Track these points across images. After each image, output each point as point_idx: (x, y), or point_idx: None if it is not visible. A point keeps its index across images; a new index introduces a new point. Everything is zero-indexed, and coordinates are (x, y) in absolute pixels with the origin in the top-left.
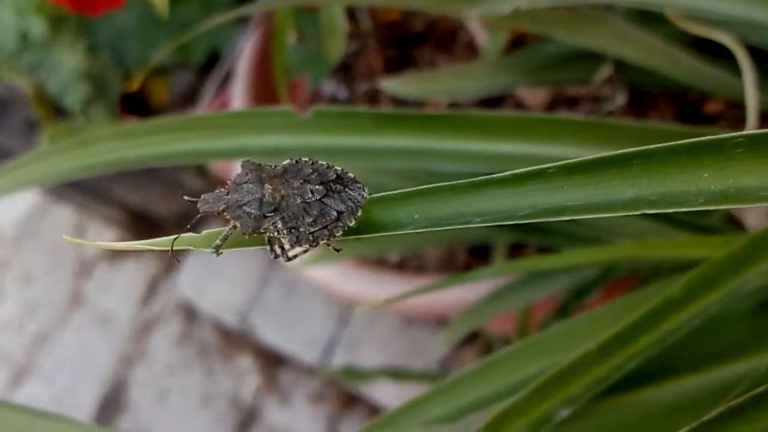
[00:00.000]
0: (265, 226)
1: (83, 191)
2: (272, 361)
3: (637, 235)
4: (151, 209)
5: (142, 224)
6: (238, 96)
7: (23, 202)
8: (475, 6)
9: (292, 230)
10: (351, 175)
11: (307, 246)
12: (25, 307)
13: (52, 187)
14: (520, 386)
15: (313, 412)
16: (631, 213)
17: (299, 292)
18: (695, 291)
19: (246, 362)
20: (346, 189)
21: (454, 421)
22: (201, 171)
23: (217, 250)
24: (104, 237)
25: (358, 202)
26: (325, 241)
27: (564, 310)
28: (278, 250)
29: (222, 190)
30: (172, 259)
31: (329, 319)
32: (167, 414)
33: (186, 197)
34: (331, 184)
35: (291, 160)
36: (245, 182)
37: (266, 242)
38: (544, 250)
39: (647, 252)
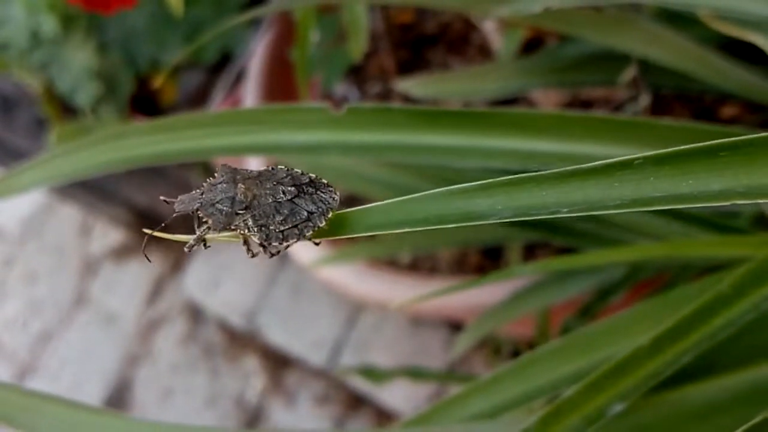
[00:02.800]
0: (236, 223)
1: (89, 190)
2: (278, 362)
3: (661, 235)
4: (158, 209)
5: (148, 224)
6: (250, 96)
7: (28, 200)
8: (504, 5)
9: (262, 228)
10: (324, 180)
11: (282, 243)
12: (30, 305)
13: (58, 186)
14: (559, 384)
15: (319, 413)
16: (721, 204)
17: (306, 293)
18: (744, 287)
19: (252, 363)
20: (318, 192)
21: (493, 418)
22: (208, 171)
23: (190, 249)
24: (110, 237)
25: (329, 204)
26: (295, 240)
27: (587, 311)
28: (255, 249)
29: (197, 191)
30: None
31: (337, 320)
32: (172, 414)
33: (162, 197)
34: (304, 186)
35: (268, 166)
36: (219, 183)
37: (242, 242)
38: (562, 251)
39: (676, 252)
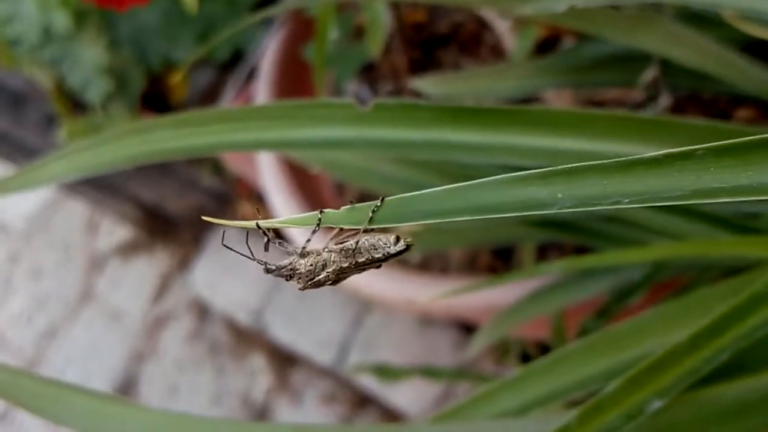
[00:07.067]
0: (320, 278)
1: (97, 187)
2: (284, 361)
3: (680, 236)
4: (165, 206)
5: (155, 221)
6: (262, 94)
7: (35, 196)
8: (528, 4)
9: (340, 275)
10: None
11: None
12: (35, 301)
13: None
14: (587, 382)
15: (325, 412)
16: None
17: (314, 291)
18: None
19: (258, 361)
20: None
21: (523, 414)
22: (217, 169)
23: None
24: (117, 233)
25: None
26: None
27: (606, 312)
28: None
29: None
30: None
31: (344, 319)
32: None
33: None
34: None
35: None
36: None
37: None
38: (576, 252)
39: (697, 252)
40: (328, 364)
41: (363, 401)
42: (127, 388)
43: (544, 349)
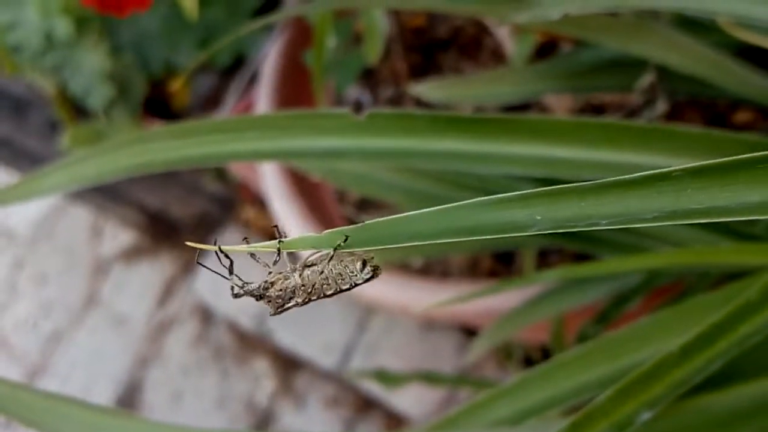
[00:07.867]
0: (289, 305)
1: (101, 192)
2: (288, 365)
3: (678, 242)
4: (169, 211)
5: (159, 226)
6: (263, 100)
7: (39, 202)
8: (522, 11)
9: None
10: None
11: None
12: (40, 306)
13: None
14: (583, 390)
15: (329, 416)
16: (760, 217)
17: None
18: None
19: (262, 365)
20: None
21: (518, 423)
22: (220, 175)
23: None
24: (121, 238)
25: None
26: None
27: (604, 317)
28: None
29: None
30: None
31: (347, 323)
32: (181, 416)
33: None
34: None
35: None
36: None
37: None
38: (576, 257)
39: (695, 259)
40: (331, 368)
41: (366, 405)
42: (131, 392)
43: (546, 353)
